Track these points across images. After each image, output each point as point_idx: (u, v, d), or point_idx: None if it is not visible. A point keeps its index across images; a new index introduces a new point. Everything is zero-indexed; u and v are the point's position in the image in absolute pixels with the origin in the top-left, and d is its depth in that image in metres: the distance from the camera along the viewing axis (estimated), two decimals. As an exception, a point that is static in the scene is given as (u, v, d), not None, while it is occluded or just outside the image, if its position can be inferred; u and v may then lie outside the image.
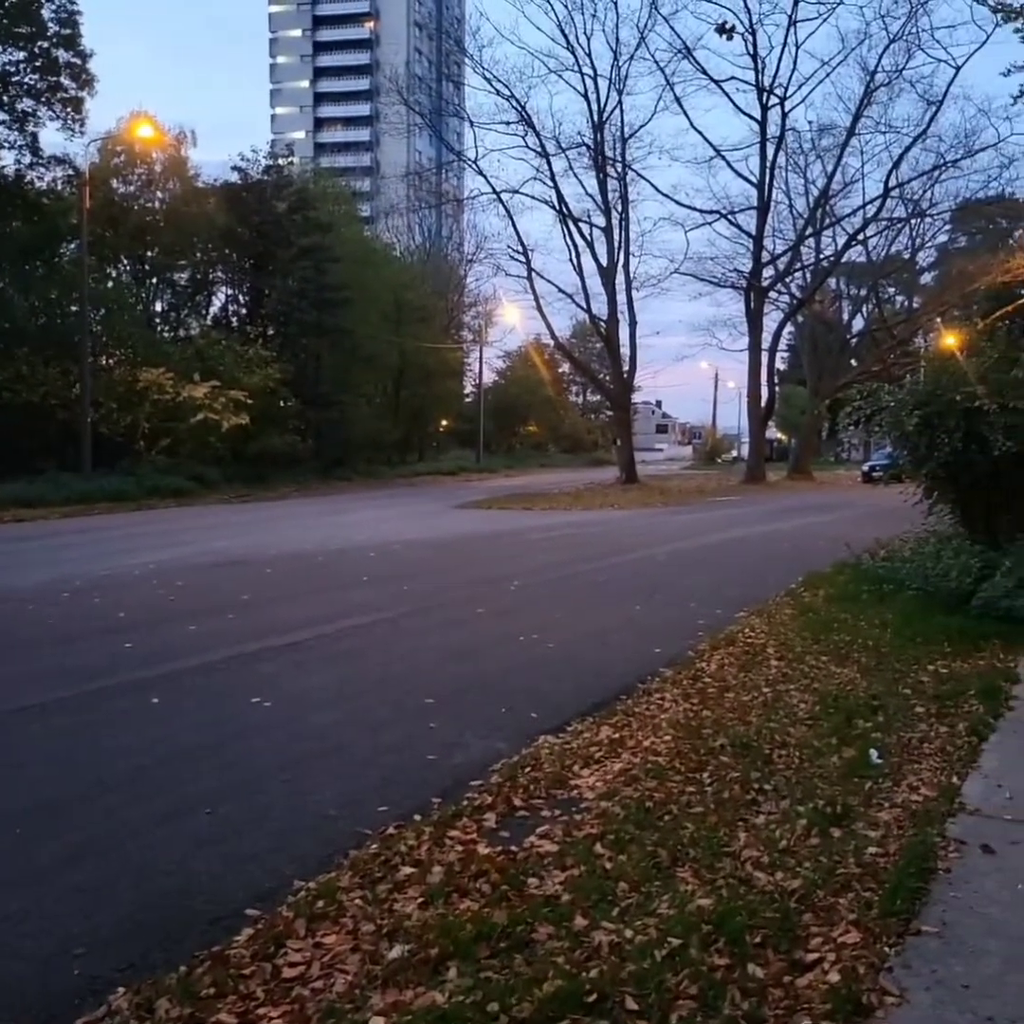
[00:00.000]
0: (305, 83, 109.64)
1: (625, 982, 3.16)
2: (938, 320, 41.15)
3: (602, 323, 41.17)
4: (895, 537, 13.27)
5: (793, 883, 3.89)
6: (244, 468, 33.72)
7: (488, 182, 40.52)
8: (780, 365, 64.68)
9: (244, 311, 41.21)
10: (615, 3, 37.89)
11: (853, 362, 48.99)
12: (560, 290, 42.24)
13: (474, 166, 40.50)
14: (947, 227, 51.06)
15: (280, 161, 40.20)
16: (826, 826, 4.51)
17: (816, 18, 43.01)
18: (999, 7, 22.05)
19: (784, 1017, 3.02)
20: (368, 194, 60.81)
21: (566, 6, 39.27)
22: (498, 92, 38.79)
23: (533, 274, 40.59)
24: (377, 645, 8.96)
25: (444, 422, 57.94)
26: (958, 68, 38.14)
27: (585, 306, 41.29)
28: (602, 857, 4.15)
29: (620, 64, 38.68)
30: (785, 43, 40.54)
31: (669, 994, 3.11)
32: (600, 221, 39.96)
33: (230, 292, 41.48)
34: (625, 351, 41.79)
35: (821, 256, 46.19)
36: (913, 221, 45.82)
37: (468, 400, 61.10)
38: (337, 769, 5.59)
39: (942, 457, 11.43)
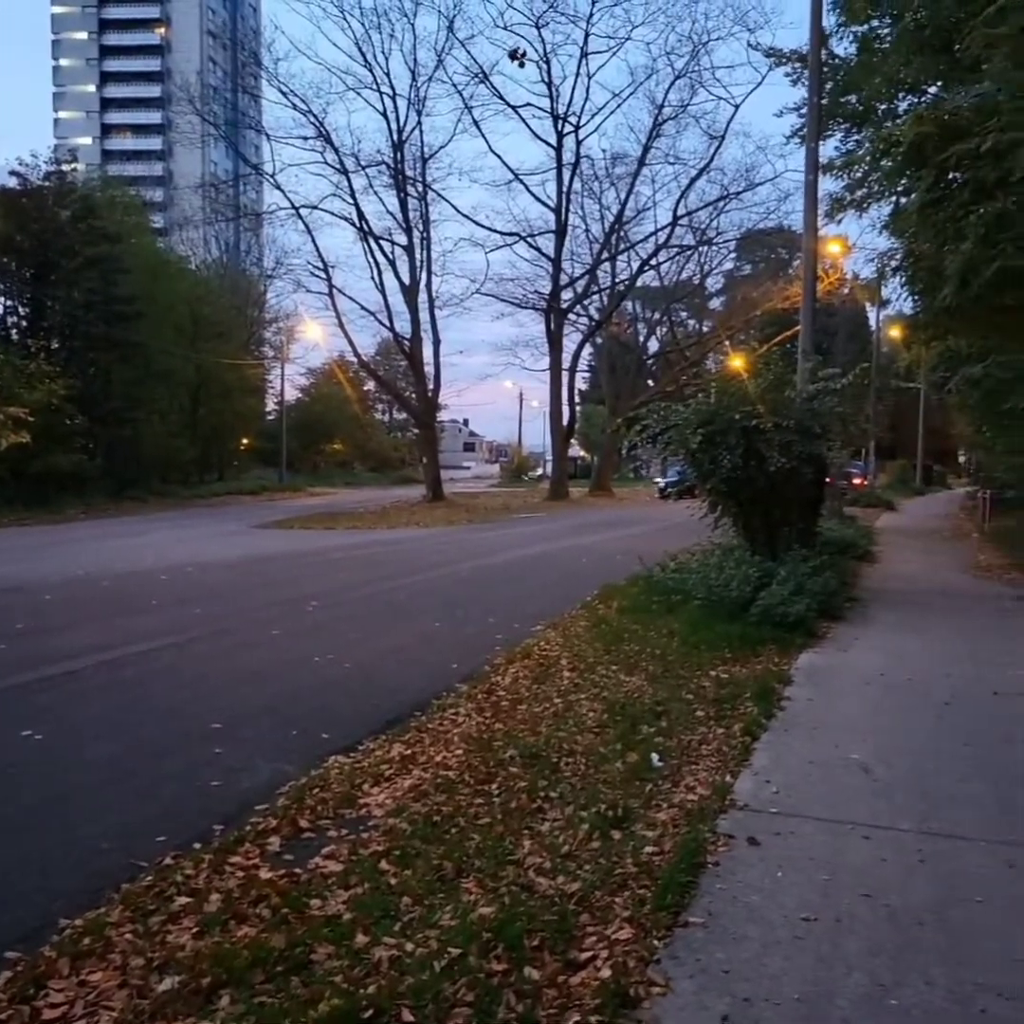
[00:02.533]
0: (91, 88, 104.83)
1: (403, 995, 3.17)
2: (727, 343, 43.60)
3: (406, 341, 41.29)
4: (684, 550, 13.89)
5: (572, 886, 4.00)
6: (26, 489, 31.77)
7: (286, 197, 40.04)
8: (581, 385, 66.78)
9: (24, 324, 38.88)
10: (412, 25, 38.27)
11: (650, 382, 51.13)
12: (362, 307, 42.17)
13: (271, 180, 39.94)
14: (733, 255, 54.28)
15: (63, 167, 38.26)
16: (607, 829, 4.66)
17: (606, 51, 44.93)
18: (771, 52, 23.71)
19: (556, 1015, 3.10)
20: (161, 205, 58.70)
21: (363, 25, 39.61)
22: (295, 107, 38.49)
23: (334, 291, 40.36)
24: (163, 671, 8.61)
25: (245, 440, 56.46)
26: (737, 106, 40.83)
27: (388, 324, 41.35)
28: (387, 873, 4.14)
29: (419, 85, 39.13)
30: (578, 73, 42.25)
31: (446, 1003, 3.13)
32: (402, 239, 40.19)
33: (9, 303, 39.09)
34: (429, 369, 42.10)
35: (617, 280, 48.01)
36: (701, 248, 48.40)
37: (270, 418, 59.84)
38: (113, 801, 5.33)
39: (724, 473, 12.07)
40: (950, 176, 14.19)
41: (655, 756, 5.84)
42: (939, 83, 17.50)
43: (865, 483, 43.75)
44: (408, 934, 3.61)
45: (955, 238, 13.58)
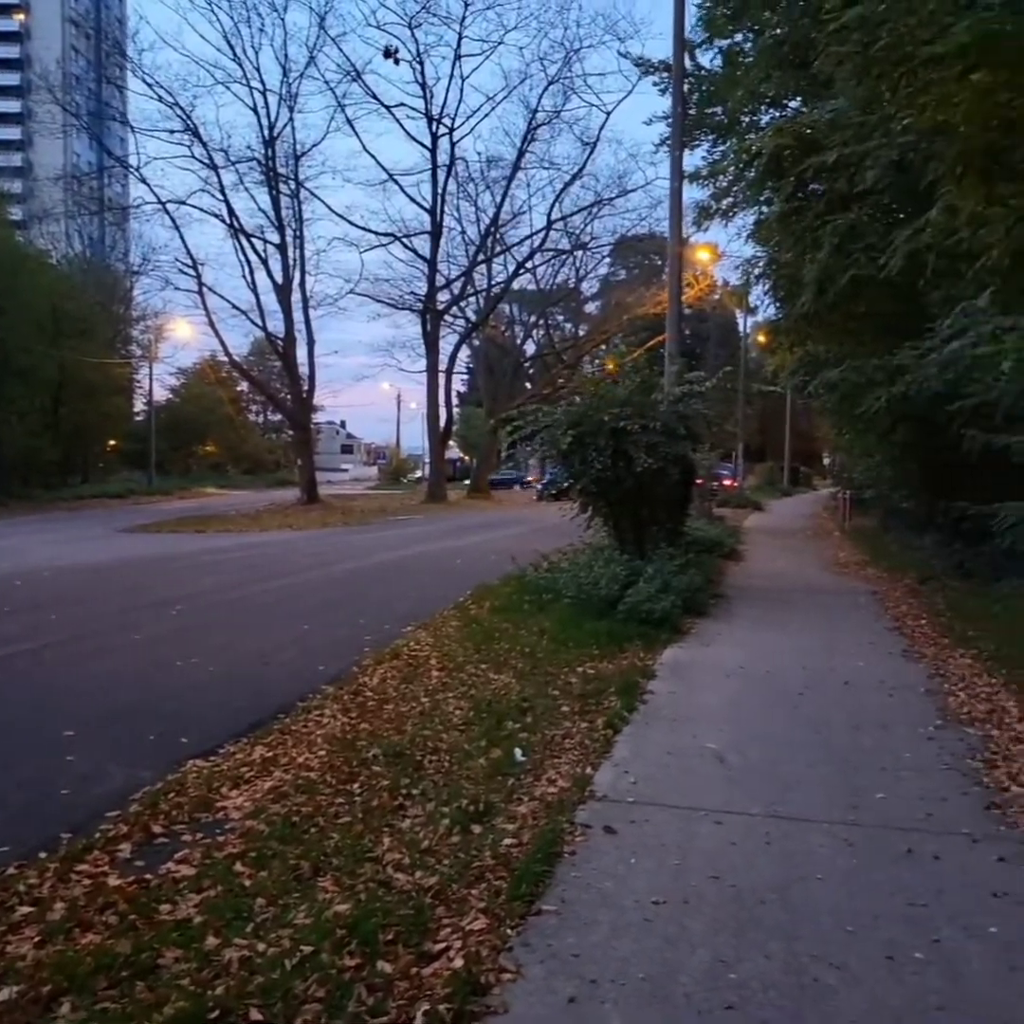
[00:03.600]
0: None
1: (252, 995, 3.13)
2: (604, 347, 44.35)
3: (279, 341, 40.62)
4: (558, 550, 14.07)
5: (430, 880, 4.02)
6: None
7: (152, 191, 38.84)
8: (460, 387, 66.88)
9: None
10: (282, 20, 37.51)
11: (528, 385, 51.56)
12: (234, 306, 41.23)
13: (137, 174, 38.72)
14: (608, 260, 55.21)
15: (-89, 155, 36.34)
16: (467, 824, 4.70)
17: (480, 54, 45.13)
18: (639, 62, 24.24)
19: (406, 1006, 3.11)
20: (20, 197, 56.26)
21: (231, 18, 38.64)
22: (161, 99, 37.32)
23: (204, 289, 39.38)
24: (14, 678, 8.26)
25: (112, 442, 54.55)
26: (608, 113, 41.78)
27: (261, 323, 40.59)
28: (241, 875, 4.08)
29: (290, 81, 38.51)
30: (452, 75, 42.35)
31: (296, 1000, 3.11)
32: (274, 237, 39.47)
33: None
34: (304, 370, 41.44)
35: (493, 282, 48.26)
36: (576, 253, 49.05)
37: (139, 419, 57.96)
38: (-45, 814, 5.11)
39: (594, 474, 12.28)
40: (809, 187, 14.80)
41: (518, 751, 5.91)
42: (799, 98, 18.19)
43: (735, 484, 45.12)
44: (261, 934, 3.57)
45: (812, 247, 14.17)
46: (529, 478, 59.08)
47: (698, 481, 20.11)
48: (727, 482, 42.49)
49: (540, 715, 6.77)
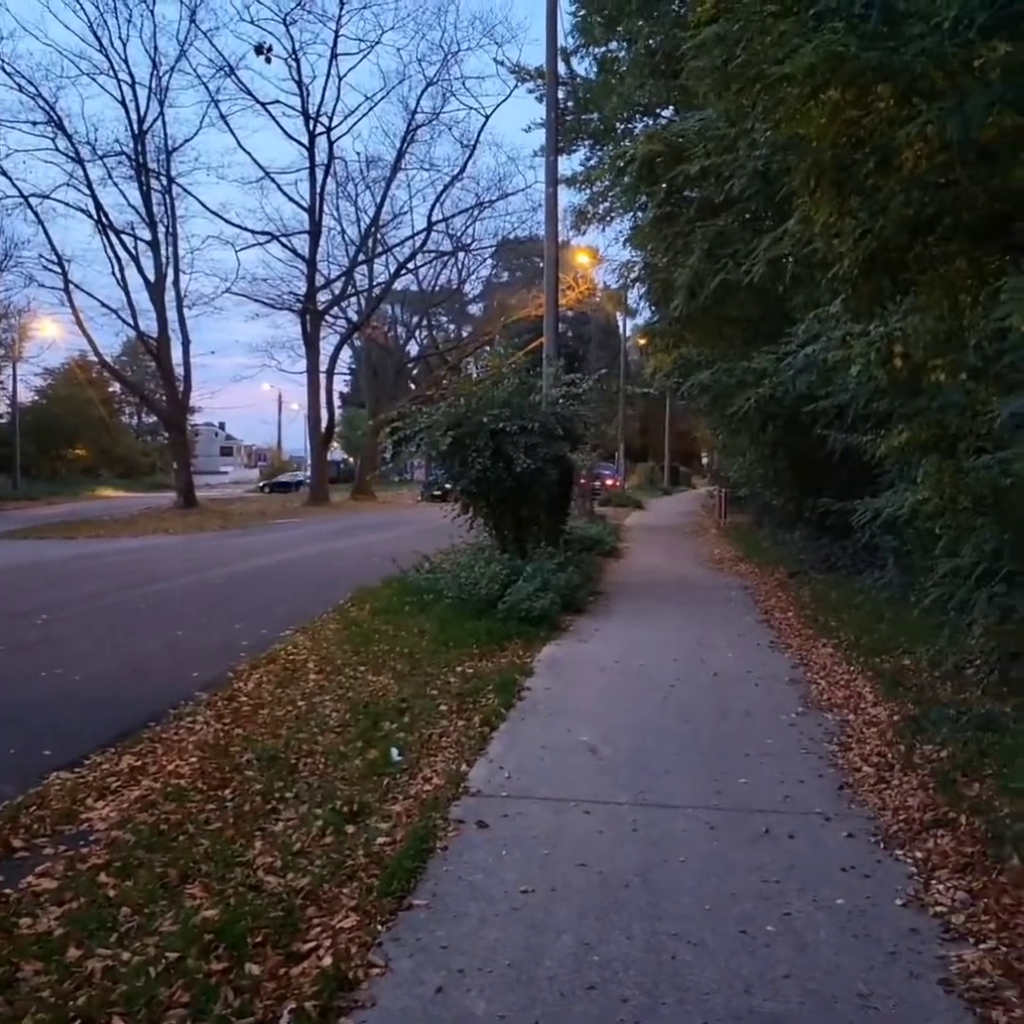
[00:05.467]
0: None
1: (115, 1004, 3.11)
2: (488, 349, 44.45)
3: (152, 341, 39.47)
4: (440, 551, 14.11)
5: (301, 882, 4.04)
6: None
7: (13, 184, 37.20)
8: (343, 388, 66.21)
9: None
10: (151, 12, 36.25)
11: (412, 386, 51.35)
12: (103, 305, 39.75)
13: (-4, 166, 36.96)
14: (490, 262, 55.45)
15: None
16: (341, 825, 4.72)
17: (357, 54, 44.77)
18: (516, 68, 24.53)
19: (274, 1006, 3.14)
20: None
21: (98, 8, 37.28)
22: (22, 89, 35.77)
23: (71, 286, 37.98)
24: None
25: (-29, 446, 52.07)
26: (487, 116, 41.91)
27: (132, 323, 39.33)
28: (106, 886, 4.03)
29: (160, 75, 37.36)
30: (329, 74, 41.89)
31: (160, 1006, 3.11)
32: (146, 234, 38.29)
33: None
34: (179, 370, 40.37)
35: (374, 283, 47.93)
36: (458, 255, 49.11)
37: (2, 420, 55.55)
38: None
39: (474, 474, 12.37)
40: (681, 194, 15.20)
41: (395, 751, 5.95)
42: (671, 107, 18.68)
43: (616, 484, 45.92)
44: (125, 944, 3.54)
45: (684, 252, 14.56)
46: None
47: (581, 481, 20.48)
48: (609, 482, 43.20)
49: (418, 715, 6.83)
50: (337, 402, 56.42)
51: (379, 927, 3.68)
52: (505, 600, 10.63)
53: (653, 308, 22.09)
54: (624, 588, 14.17)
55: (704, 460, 67.87)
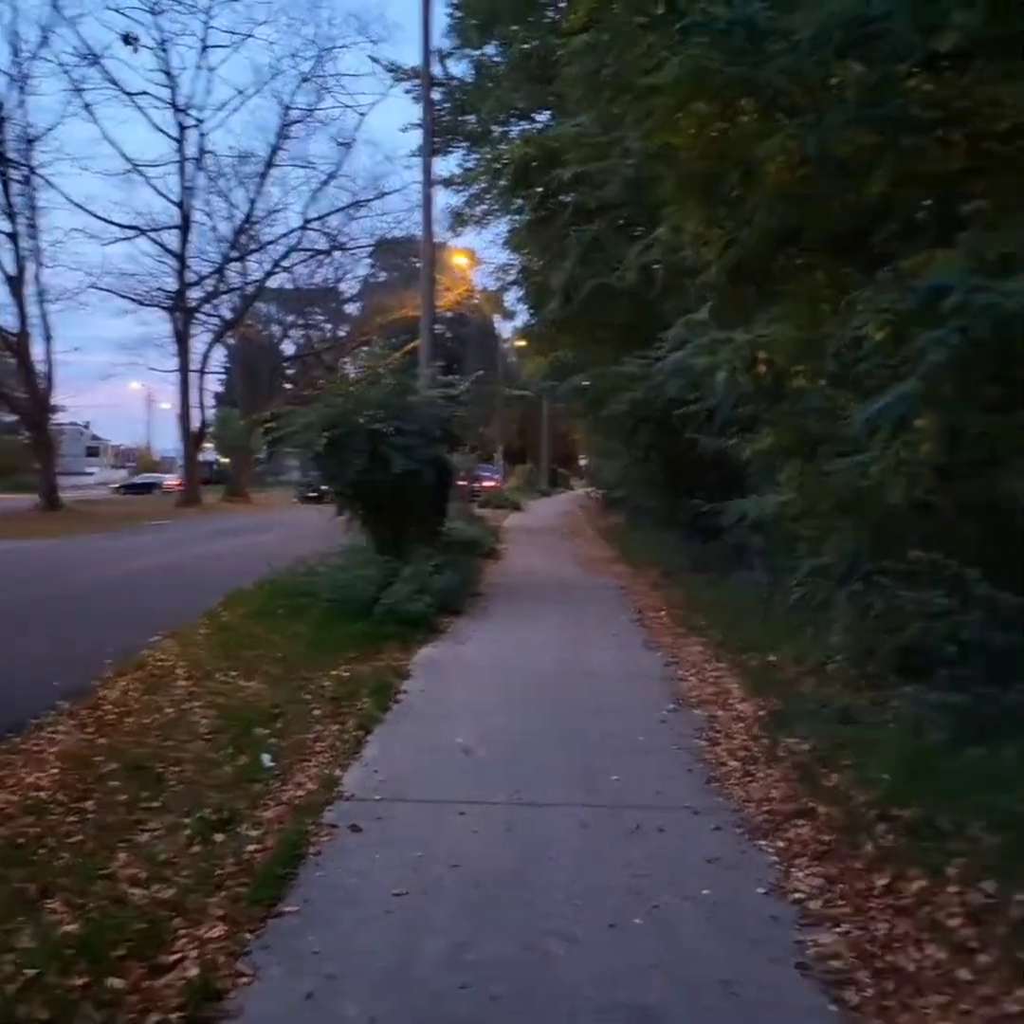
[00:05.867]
0: None
1: (-34, 1027, 2.98)
2: (366, 349, 44.05)
3: (12, 337, 37.76)
4: (316, 553, 13.91)
5: (167, 893, 3.94)
6: None
7: None
8: (217, 387, 64.61)
9: None
10: (9, -4, 34.65)
11: (289, 386, 50.51)
12: (-44, 299, 37.94)
13: None
14: (368, 261, 54.95)
15: None
16: (210, 833, 4.62)
17: (228, 46, 43.83)
18: (392, 67, 24.42)
19: (137, 1019, 3.06)
20: None
21: (-50, -8, 35.43)
22: None
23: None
24: None
25: None
26: (363, 115, 41.45)
27: (-10, 318, 37.54)
28: (-43, 906, 3.84)
29: (21, 61, 35.81)
30: (199, 66, 40.89)
31: (19, 1025, 2.99)
32: (4, 226, 36.63)
33: None
34: (42, 367, 38.71)
35: (248, 280, 46.95)
36: (334, 253, 48.50)
37: None
38: None
39: (351, 476, 12.26)
40: (557, 198, 15.42)
41: (267, 757, 5.85)
42: (548, 112, 18.91)
43: (496, 485, 46.15)
44: (-22, 964, 3.38)
45: (559, 256, 14.79)
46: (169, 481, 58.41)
47: (459, 482, 20.51)
48: (488, 483, 43.39)
49: (291, 720, 6.72)
50: (210, 401, 55.08)
51: (248, 936, 3.62)
52: (382, 602, 10.56)
53: (530, 311, 22.36)
54: (502, 589, 14.26)
55: (582, 462, 68.84)
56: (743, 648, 9.02)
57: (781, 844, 4.56)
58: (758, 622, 10.12)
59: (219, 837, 4.58)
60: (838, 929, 3.69)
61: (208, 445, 57.41)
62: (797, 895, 4.01)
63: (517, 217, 17.87)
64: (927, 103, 5.57)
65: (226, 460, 68.84)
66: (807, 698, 6.99)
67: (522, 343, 37.85)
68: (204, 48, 38.94)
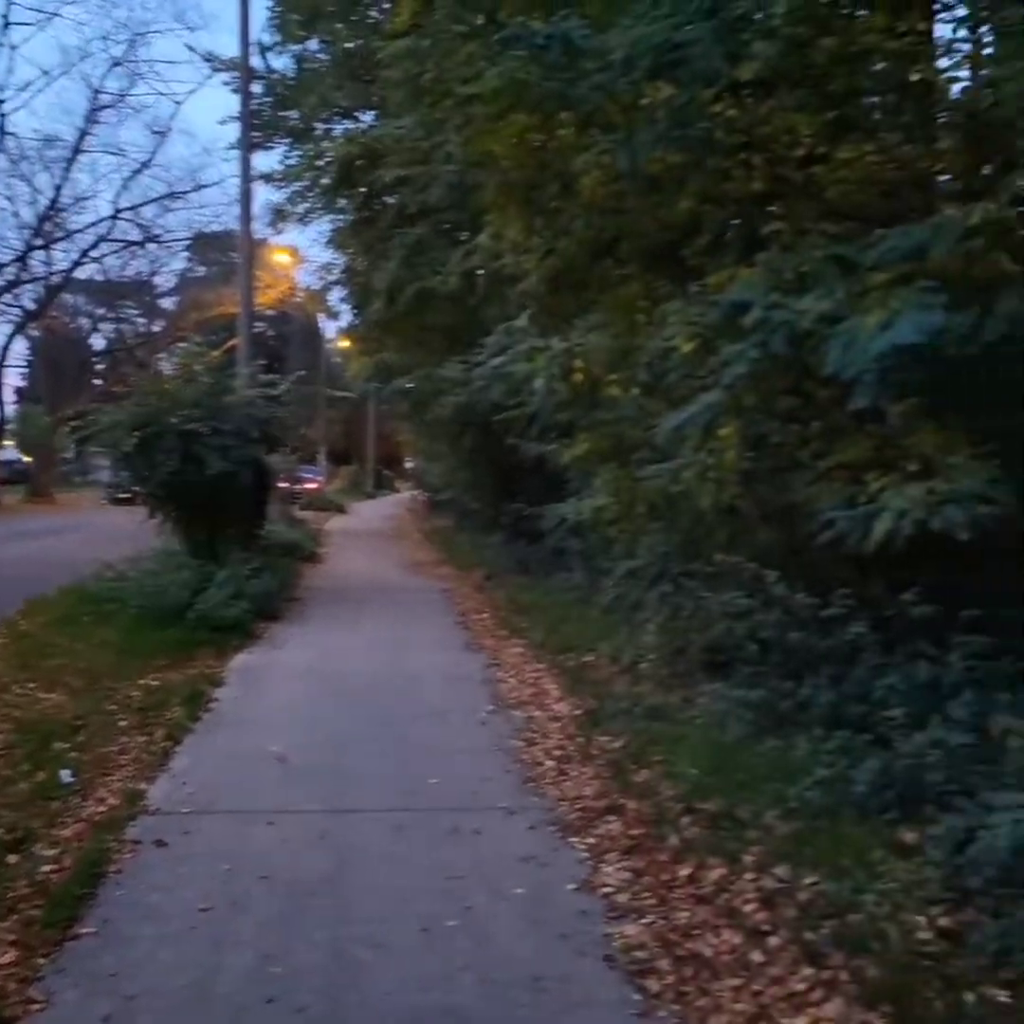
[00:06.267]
0: None
1: None
2: (181, 346, 42.40)
3: None
4: (125, 557, 13.32)
5: (-50, 922, 3.69)
6: None
7: None
8: (20, 382, 60.95)
9: None
10: None
11: (97, 382, 48.15)
12: None
13: None
14: (185, 255, 52.97)
15: None
16: (2, 855, 4.35)
17: (33, 24, 41.48)
18: (209, 57, 23.72)
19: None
20: None
21: None
22: None
23: None
24: None
25: None
26: (179, 103, 39.96)
27: None
28: None
29: None
30: (0, 43, 38.47)
31: None
32: None
33: None
34: None
35: (54, 270, 44.49)
36: (149, 245, 46.54)
37: None
38: None
39: (163, 477, 11.81)
40: (381, 199, 15.34)
41: (66, 772, 5.55)
42: (372, 112, 18.78)
43: (319, 487, 45.40)
44: None
45: (383, 257, 14.71)
46: None
47: (280, 484, 20.05)
48: (310, 485, 42.63)
49: (95, 732, 6.41)
50: (11, 397, 51.93)
51: (41, 960, 3.43)
52: (196, 608, 10.23)
53: (354, 311, 22.13)
54: (323, 593, 14.05)
55: (408, 464, 68.67)
56: (561, 649, 9.20)
57: (592, 840, 4.67)
58: (577, 623, 10.36)
59: (12, 858, 4.32)
60: (643, 920, 3.82)
61: (8, 443, 54.08)
62: (606, 889, 4.12)
63: (340, 216, 17.68)
64: (731, 128, 5.84)
65: (29, 459, 65.16)
66: (621, 697, 7.19)
67: (346, 343, 37.45)
68: (6, 24, 36.65)
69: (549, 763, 5.96)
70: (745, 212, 6.13)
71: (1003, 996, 3.04)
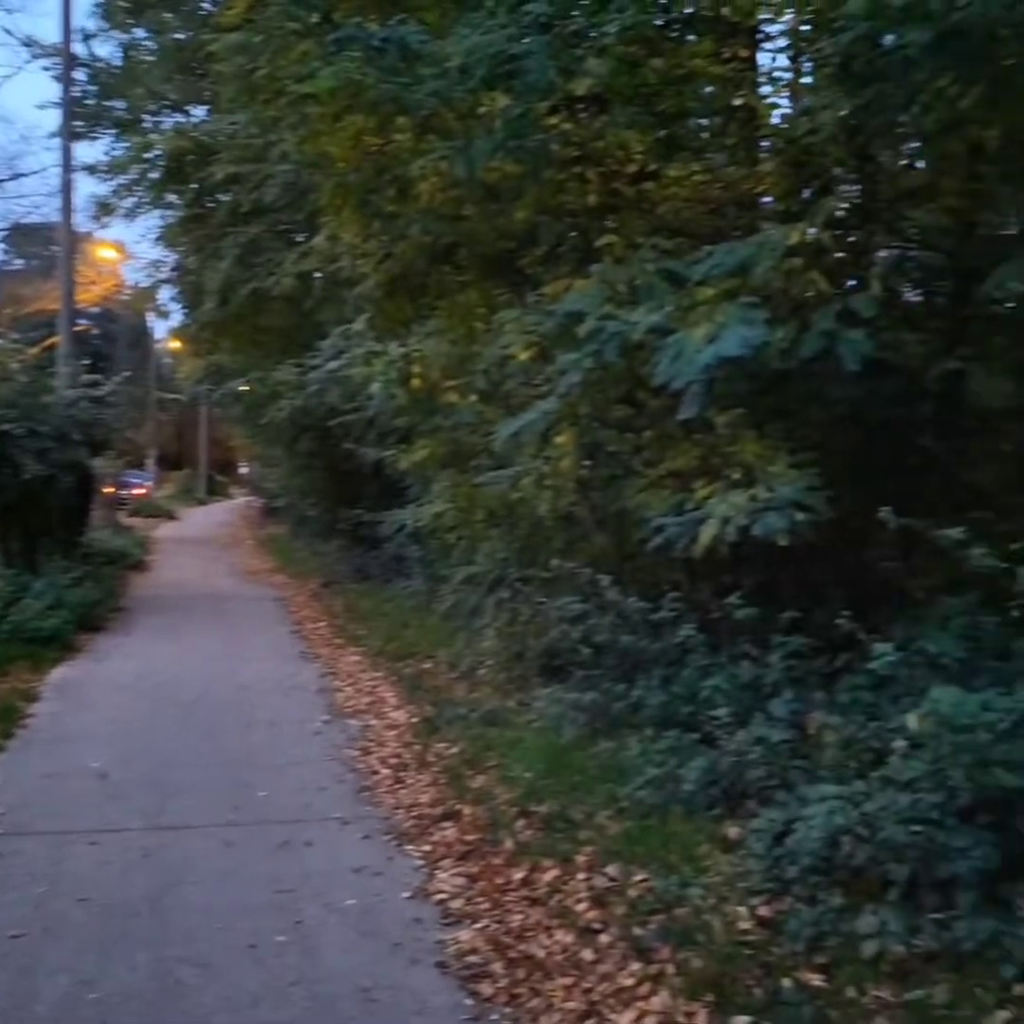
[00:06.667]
0: None
1: None
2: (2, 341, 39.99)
3: None
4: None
5: None
6: None
7: None
8: None
9: None
10: None
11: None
12: None
13: None
14: (1, 247, 50.12)
15: None
16: None
17: None
18: (28, 41, 22.46)
19: None
20: None
21: None
22: None
23: None
24: None
25: None
26: (-4, 88, 37.76)
27: None
28: None
29: None
30: None
31: None
32: None
33: None
34: None
35: None
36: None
37: None
38: None
39: (-29, 481, 11.13)
40: (213, 196, 14.88)
41: None
42: (205, 107, 18.21)
43: (147, 493, 43.68)
44: None
45: (216, 256, 14.28)
46: None
47: (107, 490, 19.19)
48: (138, 490, 40.95)
49: None
50: None
51: None
52: (9, 620, 9.68)
53: (185, 311, 21.39)
54: (150, 603, 13.52)
55: (243, 469, 66.85)
56: (399, 656, 9.14)
57: (427, 847, 4.65)
58: (416, 630, 10.32)
59: None
60: (477, 925, 3.82)
61: None
62: (440, 896, 4.10)
63: (170, 212, 17.03)
64: (566, 141, 5.94)
65: None
66: (458, 703, 7.20)
67: (178, 344, 36.21)
68: None
69: (385, 771, 5.90)
70: (580, 224, 6.25)
71: (817, 980, 3.17)
